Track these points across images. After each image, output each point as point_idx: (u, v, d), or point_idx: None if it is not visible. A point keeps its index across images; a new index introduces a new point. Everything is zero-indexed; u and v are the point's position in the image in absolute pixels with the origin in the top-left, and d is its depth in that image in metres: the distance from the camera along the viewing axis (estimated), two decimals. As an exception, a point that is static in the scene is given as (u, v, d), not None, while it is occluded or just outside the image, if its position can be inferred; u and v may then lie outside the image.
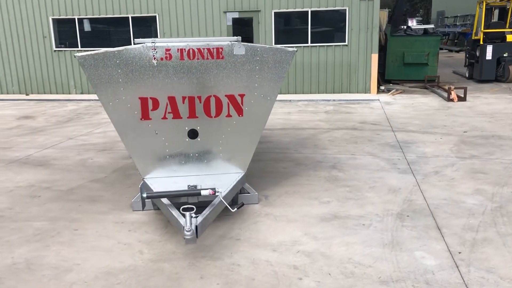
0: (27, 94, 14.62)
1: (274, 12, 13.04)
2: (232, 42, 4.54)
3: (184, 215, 3.63)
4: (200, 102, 4.66)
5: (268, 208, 4.80)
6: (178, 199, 4.25)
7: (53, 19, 14.13)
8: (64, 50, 14.24)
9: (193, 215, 3.47)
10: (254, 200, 4.92)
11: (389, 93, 13.16)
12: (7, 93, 14.87)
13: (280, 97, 12.78)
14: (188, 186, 4.19)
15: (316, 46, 13.06)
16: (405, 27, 18.02)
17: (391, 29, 15.62)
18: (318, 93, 13.30)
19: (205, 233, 4.22)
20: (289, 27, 13.26)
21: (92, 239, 4.17)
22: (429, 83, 14.45)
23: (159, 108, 4.61)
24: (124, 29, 13.88)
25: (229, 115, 4.73)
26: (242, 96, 4.70)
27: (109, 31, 14.17)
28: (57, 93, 14.53)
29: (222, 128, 4.76)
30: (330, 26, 13.04)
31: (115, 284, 3.41)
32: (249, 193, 4.92)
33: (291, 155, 6.83)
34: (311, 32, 13.02)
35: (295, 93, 13.38)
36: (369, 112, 10.36)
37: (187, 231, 3.36)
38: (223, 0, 13.16)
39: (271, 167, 6.23)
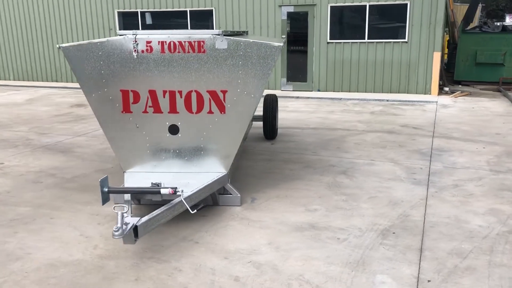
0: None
1: (331, 6, 12.53)
2: (214, 36, 4.33)
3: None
4: (181, 97, 4.51)
5: (248, 211, 4.55)
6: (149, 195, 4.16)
7: (118, 12, 14.73)
8: (127, 42, 14.77)
9: (125, 214, 3.33)
10: (236, 202, 4.69)
11: (452, 95, 12.13)
12: (73, 82, 15.78)
13: (331, 94, 12.30)
14: (151, 183, 4.06)
15: (373, 42, 12.36)
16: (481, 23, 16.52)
17: (463, 25, 14.38)
18: (374, 92, 12.60)
19: (169, 233, 4.08)
20: (345, 22, 12.67)
21: (59, 229, 4.20)
22: (504, 85, 13.12)
23: (140, 101, 4.53)
24: (182, 22, 14.12)
25: (210, 112, 4.53)
26: (224, 92, 4.47)
27: (169, 25, 14.48)
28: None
29: (204, 125, 4.58)
30: (389, 22, 12.27)
31: (51, 277, 3.37)
32: (231, 194, 4.69)
33: (306, 156, 6.47)
34: (368, 27, 12.34)
35: (349, 91, 12.80)
36: (419, 115, 9.59)
37: (115, 230, 3.23)
38: (278, -7, 12.89)
39: (277, 168, 5.93)
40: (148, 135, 4.64)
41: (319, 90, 13.07)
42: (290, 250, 3.75)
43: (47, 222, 4.36)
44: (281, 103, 11.14)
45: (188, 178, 4.50)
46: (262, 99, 8.09)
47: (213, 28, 13.72)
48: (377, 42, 12.36)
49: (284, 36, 13.06)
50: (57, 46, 4.54)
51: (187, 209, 3.88)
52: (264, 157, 6.46)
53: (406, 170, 5.81)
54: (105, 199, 3.97)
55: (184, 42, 4.37)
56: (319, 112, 9.92)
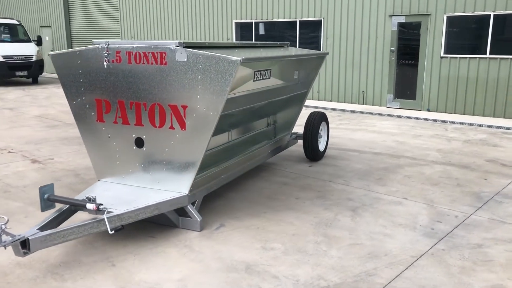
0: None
1: (447, 16, 11.05)
2: (174, 47, 4.06)
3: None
4: (146, 110, 4.33)
5: (200, 239, 4.15)
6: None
7: (236, 22, 15.15)
8: (241, 51, 15.11)
9: (3, 226, 3.25)
10: (195, 227, 4.32)
11: None
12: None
13: (439, 116, 10.84)
14: (86, 196, 3.94)
15: (496, 58, 10.53)
16: None
17: None
18: (492, 116, 10.73)
19: (101, 249, 3.93)
20: (463, 34, 11.02)
21: None
22: None
23: (111, 111, 4.48)
24: (291, 33, 13.90)
25: (172, 127, 4.27)
26: (184, 108, 4.17)
27: (279, 35, 14.39)
28: (232, 91, 15.55)
29: (166, 141, 4.33)
30: (517, 34, 10.33)
31: (-44, 276, 3.48)
32: (190, 217, 4.34)
33: (332, 185, 5.72)
34: (491, 40, 10.55)
35: (463, 113, 11.10)
36: (526, 148, 7.84)
37: (-9, 242, 3.18)
38: (389, 3, 11.84)
39: (285, 195, 5.34)
40: (117, 146, 4.55)
41: (428, 110, 11.63)
42: (190, 293, 3.29)
43: None
44: (370, 121, 10.17)
45: (149, 195, 4.29)
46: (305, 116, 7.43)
47: (320, 39, 13.23)
48: (501, 58, 10.49)
49: (393, 48, 11.95)
50: (48, 54, 4.73)
51: (107, 228, 3.67)
52: (285, 180, 5.90)
53: (433, 217, 4.73)
54: (46, 206, 3.99)
55: (148, 53, 4.18)
56: (403, 135, 8.77)
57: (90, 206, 3.74)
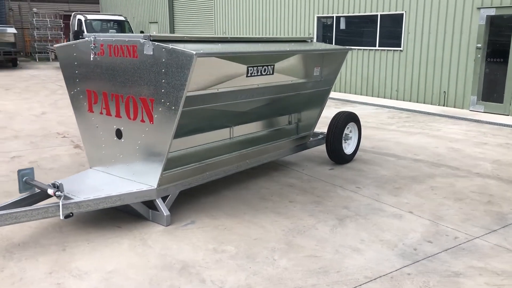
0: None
1: (544, 9, 9.61)
2: (143, 41, 4.09)
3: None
4: (123, 102, 4.43)
5: (160, 234, 4.15)
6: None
7: (317, 17, 14.79)
8: (322, 47, 14.72)
9: None
10: (162, 221, 4.32)
11: None
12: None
13: (504, 119, 9.52)
14: (52, 182, 4.14)
15: None
16: None
17: None
18: None
19: (61, 233, 4.11)
20: (563, 29, 9.49)
21: None
22: None
23: (98, 102, 4.66)
24: (372, 27, 13.17)
25: (142, 120, 4.32)
26: (152, 101, 4.19)
27: (359, 30, 13.73)
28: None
29: (138, 133, 4.39)
30: None
31: None
32: (158, 211, 4.35)
33: (339, 191, 5.33)
34: None
35: (557, 121, 9.60)
36: None
37: None
38: (477, -6, 10.63)
39: (281, 197, 5.10)
40: (103, 136, 4.72)
41: (517, 115, 10.27)
42: (110, 285, 3.29)
43: None
44: (437, 125, 9.26)
45: (122, 185, 4.38)
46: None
47: (401, 33, 12.34)
48: None
49: (479, 45, 10.72)
50: (52, 46, 5.03)
51: (60, 214, 3.82)
52: (292, 181, 5.63)
53: (427, 236, 4.17)
54: (24, 188, 4.28)
55: (123, 46, 4.26)
56: (464, 142, 7.85)
57: (50, 191, 3.93)
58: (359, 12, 13.41)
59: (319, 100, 6.21)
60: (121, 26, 19.96)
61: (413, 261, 3.71)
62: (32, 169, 4.33)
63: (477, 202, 5.04)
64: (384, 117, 10.22)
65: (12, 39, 23.31)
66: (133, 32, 20.11)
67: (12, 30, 23.57)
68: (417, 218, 4.57)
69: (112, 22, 20.03)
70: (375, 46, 13.08)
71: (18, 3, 32.52)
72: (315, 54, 5.72)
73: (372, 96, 13.26)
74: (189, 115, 4.42)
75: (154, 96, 4.14)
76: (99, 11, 31.32)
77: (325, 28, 14.68)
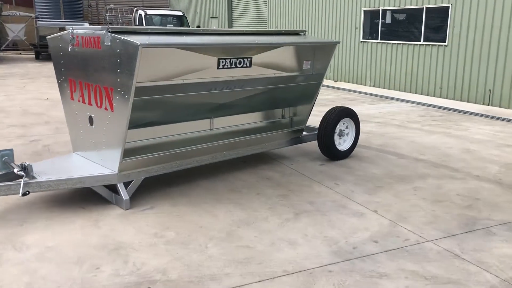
0: (335, 81, 15.74)
1: None
2: (103, 32, 4.32)
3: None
4: (92, 90, 4.69)
5: (113, 217, 4.36)
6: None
7: (364, 10, 14.39)
8: (368, 42, 14.33)
9: None
10: (121, 205, 4.54)
11: None
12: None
13: None
14: (21, 163, 4.46)
15: None
16: None
17: None
18: None
19: (29, 210, 4.46)
20: None
21: None
22: None
23: (76, 91, 4.98)
24: (417, 21, 12.60)
25: (106, 109, 4.56)
26: (111, 90, 4.42)
27: (405, 23, 13.18)
28: (356, 83, 14.92)
29: (103, 121, 4.63)
30: None
31: None
32: (118, 195, 4.57)
33: (313, 186, 5.26)
34: None
35: None
36: None
37: None
38: (527, -16, 9.82)
39: (251, 189, 5.14)
40: (81, 123, 5.02)
41: None
42: (40, 259, 3.55)
43: None
44: (467, 125, 8.72)
45: (90, 170, 4.64)
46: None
47: (446, 27, 11.70)
48: None
49: (528, 40, 9.91)
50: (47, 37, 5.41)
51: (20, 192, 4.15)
52: (273, 175, 5.63)
53: (376, 235, 4.03)
54: (2, 168, 4.68)
55: (91, 37, 4.51)
56: (486, 143, 7.33)
57: (15, 171, 4.28)
58: (405, 5, 12.88)
59: (310, 94, 6.12)
60: (180, 21, 20.66)
61: (344, 259, 3.62)
62: (11, 150, 4.72)
63: (456, 205, 4.75)
64: (415, 115, 9.79)
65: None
66: (189, 26, 20.73)
67: (85, 25, 25.26)
68: (378, 218, 4.42)
69: (171, 17, 20.79)
70: (420, 41, 12.50)
71: (96, 0, 34.68)
72: (303, 47, 5.66)
73: (416, 93, 12.70)
74: (154, 105, 4.59)
75: (113, 86, 4.35)
76: (167, 7, 32.59)
77: (372, 22, 14.26)
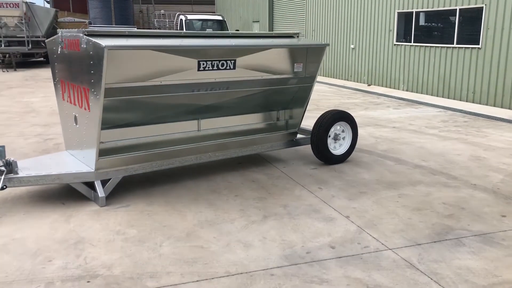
0: (368, 85, 15.40)
1: None
2: (80, 35, 4.52)
3: None
4: (75, 91, 4.90)
5: (87, 213, 4.52)
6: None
7: (398, 12, 14.01)
8: (401, 45, 13.94)
9: None
10: (98, 202, 4.69)
11: None
12: (355, 81, 16.19)
13: None
14: (6, 159, 4.71)
15: None
16: None
17: None
18: None
19: (13, 204, 4.72)
20: None
21: None
22: None
23: (66, 91, 5.21)
24: (450, 23, 12.11)
25: (85, 108, 4.74)
26: (88, 90, 4.59)
27: (437, 25, 12.70)
28: (389, 87, 14.54)
29: (84, 120, 4.82)
30: None
31: None
32: (96, 192, 4.73)
33: (295, 190, 5.21)
34: None
35: None
36: None
37: None
38: None
39: (232, 190, 5.15)
40: (69, 122, 5.25)
41: None
42: (0, 249, 3.76)
43: None
44: (491, 131, 8.28)
45: (75, 167, 4.84)
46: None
47: (480, 29, 11.17)
48: None
49: None
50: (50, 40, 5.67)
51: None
52: (261, 177, 5.61)
53: (337, 242, 3.94)
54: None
55: (72, 40, 4.72)
56: (500, 151, 6.92)
57: (-1, 164, 4.55)
58: (438, 7, 12.42)
59: (301, 97, 6.06)
60: (220, 25, 20.97)
61: (291, 263, 3.56)
62: (3, 146, 4.99)
63: (436, 214, 4.54)
64: (437, 120, 9.41)
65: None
66: (228, 31, 21.02)
67: (134, 29, 26.21)
68: (347, 224, 4.31)
69: (211, 22, 21.15)
70: (453, 44, 12.01)
71: (146, 6, 35.91)
72: (290, 50, 5.62)
73: (448, 97, 12.20)
74: (133, 105, 4.73)
75: (88, 86, 4.53)
76: (214, 12, 33.19)
77: (405, 24, 13.85)
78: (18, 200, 4.84)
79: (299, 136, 6.35)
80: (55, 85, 5.46)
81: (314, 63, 5.87)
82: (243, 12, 27.47)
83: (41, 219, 4.37)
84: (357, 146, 7.11)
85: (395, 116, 9.87)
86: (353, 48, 16.40)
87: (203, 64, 4.97)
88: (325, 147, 5.99)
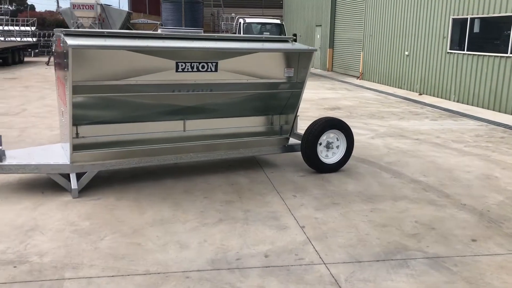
0: (419, 94, 14.71)
1: None
2: (59, 34, 4.79)
3: None
4: (62, 87, 5.19)
5: (57, 203, 4.76)
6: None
7: (453, 19, 13.25)
8: (454, 53, 13.17)
9: None
10: (71, 193, 4.93)
11: None
12: (407, 89, 15.53)
13: None
14: (-1, 148, 5.08)
15: None
16: None
17: None
18: None
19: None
20: None
21: None
22: None
23: (59, 87, 5.54)
24: (505, 30, 11.25)
25: (65, 104, 5.00)
26: (64, 87, 4.85)
27: (492, 33, 11.83)
28: (440, 97, 13.79)
29: (65, 115, 5.08)
30: None
31: None
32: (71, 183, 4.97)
33: (267, 197, 5.13)
34: None
35: None
36: None
37: None
38: None
39: (206, 192, 5.18)
40: (60, 116, 5.56)
41: None
42: (-40, 230, 4.08)
43: None
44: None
45: (52, 159, 5.14)
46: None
47: (535, 39, 10.27)
48: None
49: None
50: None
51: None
52: (242, 181, 5.59)
53: (280, 251, 3.85)
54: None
55: (58, 39, 5.01)
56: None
57: (-6, 145, 4.94)
58: (494, 13, 11.58)
59: (290, 102, 5.94)
60: (278, 29, 21.03)
61: (214, 268, 3.54)
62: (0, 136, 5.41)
63: (399, 232, 4.27)
64: (471, 134, 8.79)
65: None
66: (285, 35, 21.02)
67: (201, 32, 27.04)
68: (298, 234, 4.18)
69: (270, 25, 21.28)
70: (507, 53, 11.14)
71: (217, 9, 36.85)
72: (282, 54, 5.55)
73: (499, 111, 11.33)
74: (109, 103, 4.93)
75: (65, 83, 4.77)
76: (281, 16, 33.34)
77: (460, 31, 13.07)
78: (6, 187, 5.21)
79: (293, 142, 6.23)
80: (56, 81, 5.81)
81: (304, 69, 5.74)
82: (306, 16, 27.34)
83: (14, 205, 4.68)
84: (362, 156, 6.87)
85: (427, 127, 9.35)
86: (407, 55, 15.74)
87: (182, 65, 5.06)
88: (315, 155, 5.83)
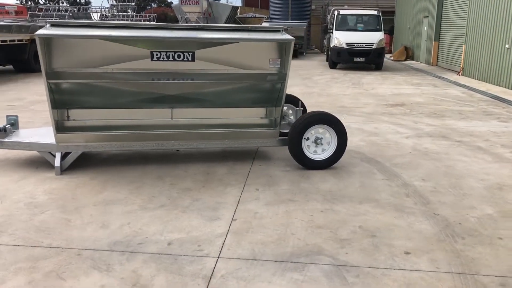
0: (515, 92, 13.05)
1: None
2: (47, 25, 5.27)
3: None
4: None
5: (41, 179, 5.25)
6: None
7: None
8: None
9: None
10: (54, 170, 5.41)
11: None
12: (506, 87, 13.86)
13: None
14: (3, 126, 5.72)
15: None
16: None
17: None
18: None
19: None
20: None
21: None
22: None
23: (59, 78, 6.06)
24: None
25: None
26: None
27: None
28: (536, 97, 12.09)
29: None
30: None
31: (-44, 153, 6.23)
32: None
33: (235, 190, 5.09)
34: None
35: None
36: None
37: None
38: None
39: (181, 181, 5.31)
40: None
41: None
42: None
43: None
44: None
45: (46, 139, 5.68)
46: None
47: None
48: None
49: None
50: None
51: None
52: (223, 171, 5.59)
53: (202, 241, 3.85)
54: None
55: (49, 30, 5.48)
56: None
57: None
58: None
59: (273, 94, 5.74)
60: (376, 20, 20.15)
61: (108, 249, 3.66)
62: (17, 116, 6.12)
63: (329, 235, 3.95)
64: (533, 139, 7.62)
65: (301, 33, 26.85)
66: (381, 27, 20.02)
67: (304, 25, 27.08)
68: (222, 226, 4.10)
69: (367, 16, 20.48)
70: None
71: (328, 1, 36.32)
72: (265, 44, 5.42)
73: None
74: (88, 89, 5.30)
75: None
76: (393, 6, 31.73)
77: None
78: (9, 161, 5.88)
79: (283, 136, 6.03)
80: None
81: (282, 59, 5.52)
82: (415, 6, 25.68)
83: (3, 177, 5.28)
84: (372, 155, 6.42)
85: (485, 129, 8.30)
86: (508, 48, 14.02)
87: (157, 54, 5.21)
88: (300, 150, 5.60)
